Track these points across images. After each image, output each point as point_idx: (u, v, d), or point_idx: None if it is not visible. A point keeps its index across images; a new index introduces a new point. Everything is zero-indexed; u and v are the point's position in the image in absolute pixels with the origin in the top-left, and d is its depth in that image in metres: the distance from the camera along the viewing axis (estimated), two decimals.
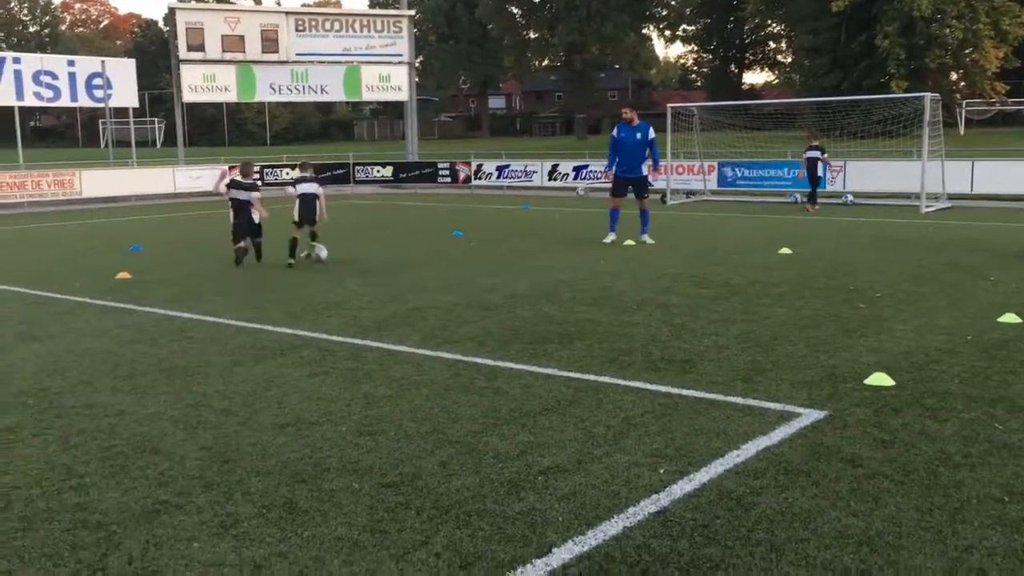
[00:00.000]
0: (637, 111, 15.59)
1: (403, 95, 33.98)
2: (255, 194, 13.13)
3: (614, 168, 15.19)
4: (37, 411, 6.06)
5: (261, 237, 13.19)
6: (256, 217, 13.04)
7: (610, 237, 15.04)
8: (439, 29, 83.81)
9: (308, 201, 12.94)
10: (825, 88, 43.90)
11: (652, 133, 15.07)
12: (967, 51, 45.64)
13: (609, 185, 15.81)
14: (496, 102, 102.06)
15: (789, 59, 68.80)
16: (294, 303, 9.87)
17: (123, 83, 30.61)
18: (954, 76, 49.08)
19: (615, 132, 15.28)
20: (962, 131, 42.58)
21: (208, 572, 3.77)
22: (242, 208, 13.03)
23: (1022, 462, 4.81)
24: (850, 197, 23.20)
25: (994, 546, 3.87)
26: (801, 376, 6.54)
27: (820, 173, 21.79)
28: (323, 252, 13.04)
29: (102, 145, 66.41)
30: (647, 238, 14.95)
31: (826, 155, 21.67)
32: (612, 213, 15.35)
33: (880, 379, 6.30)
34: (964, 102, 46.66)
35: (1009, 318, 8.26)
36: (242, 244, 12.95)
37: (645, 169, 15.26)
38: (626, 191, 15.23)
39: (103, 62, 31.12)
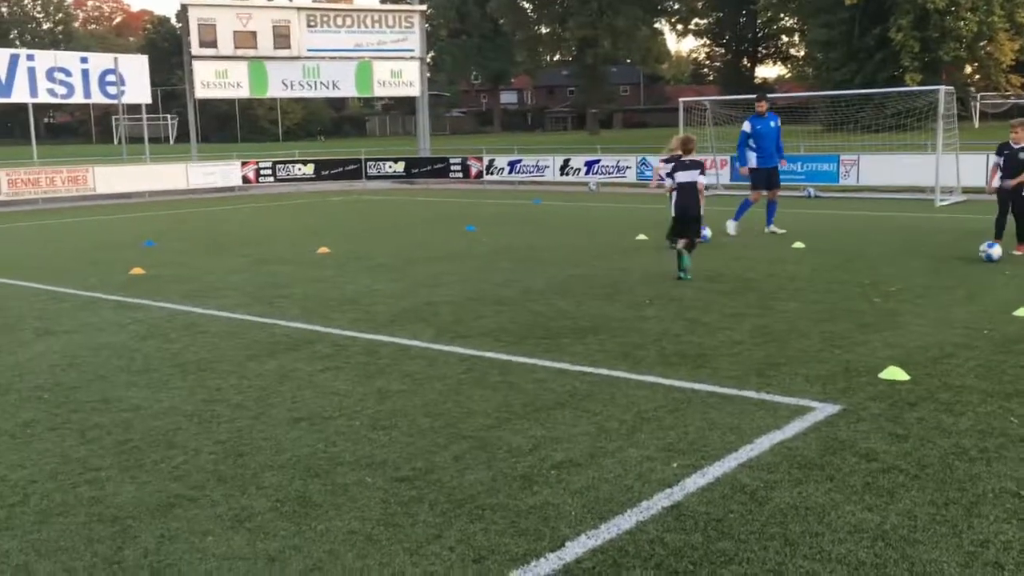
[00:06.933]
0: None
1: (415, 91, 33.98)
2: (700, 177, 10.80)
3: (752, 162, 14.85)
4: (53, 405, 6.10)
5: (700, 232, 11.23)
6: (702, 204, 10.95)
7: (732, 226, 14.70)
8: (451, 24, 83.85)
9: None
10: (838, 82, 43.75)
11: (778, 121, 15.05)
12: (982, 44, 45.42)
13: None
14: (508, 97, 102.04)
15: (802, 53, 68.47)
16: (307, 298, 9.89)
17: (136, 79, 30.69)
18: (969, 69, 48.85)
19: (749, 126, 14.89)
20: (976, 124, 42.33)
21: (222, 565, 3.79)
22: (684, 192, 10.73)
23: None
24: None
25: (1010, 540, 3.85)
26: (815, 370, 6.52)
27: None
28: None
29: (115, 141, 66.80)
30: (775, 228, 14.84)
31: None
32: (746, 204, 15.06)
33: (895, 373, 6.28)
34: (979, 95, 46.42)
35: None
36: (679, 243, 10.70)
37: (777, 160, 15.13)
38: (767, 182, 14.97)
39: (116, 59, 31.22)
